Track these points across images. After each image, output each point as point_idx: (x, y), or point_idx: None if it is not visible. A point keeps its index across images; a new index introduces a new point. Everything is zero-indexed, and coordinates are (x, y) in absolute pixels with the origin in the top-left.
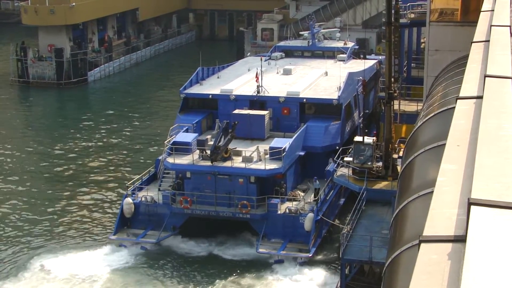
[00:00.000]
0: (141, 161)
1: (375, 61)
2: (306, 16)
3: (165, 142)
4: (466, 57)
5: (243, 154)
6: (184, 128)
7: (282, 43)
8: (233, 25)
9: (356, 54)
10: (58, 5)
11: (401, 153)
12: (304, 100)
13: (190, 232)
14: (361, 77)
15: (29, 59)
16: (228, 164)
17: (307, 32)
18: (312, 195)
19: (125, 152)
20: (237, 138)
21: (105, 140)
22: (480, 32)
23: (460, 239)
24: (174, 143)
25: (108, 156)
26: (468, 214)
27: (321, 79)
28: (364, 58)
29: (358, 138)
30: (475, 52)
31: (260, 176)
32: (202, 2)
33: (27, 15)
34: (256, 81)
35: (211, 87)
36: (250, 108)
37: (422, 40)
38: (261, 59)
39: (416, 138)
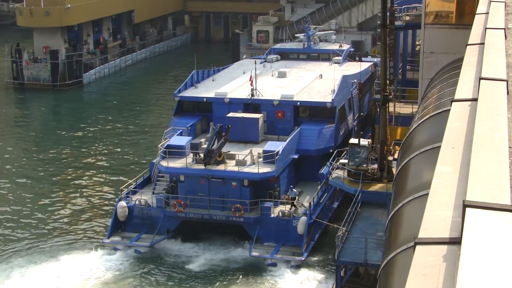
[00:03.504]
0: (136, 164)
1: (370, 63)
2: (301, 19)
3: (159, 145)
4: (461, 60)
5: (237, 158)
6: (178, 132)
7: (277, 46)
8: (229, 27)
9: (352, 56)
10: (53, 7)
11: (396, 155)
12: (298, 103)
13: (183, 235)
14: (356, 80)
15: (24, 61)
16: (221, 167)
17: (303, 34)
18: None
19: (119, 155)
20: (231, 141)
21: (99, 142)
22: (475, 34)
23: (455, 241)
24: (168, 146)
25: (102, 158)
26: (463, 216)
27: (315, 81)
28: (360, 60)
29: (353, 140)
30: (470, 55)
31: (253, 179)
32: (198, 4)
33: (22, 16)
34: (251, 84)
35: (205, 90)
36: (244, 111)
37: (417, 43)
38: (255, 62)
39: (411, 140)
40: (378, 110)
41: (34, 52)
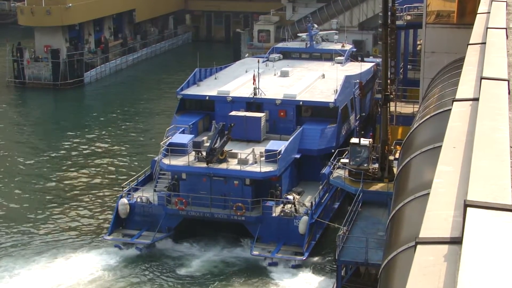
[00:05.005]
0: (137, 161)
1: (373, 63)
2: (302, 18)
3: (161, 143)
4: (462, 59)
5: (239, 156)
6: (181, 129)
7: (280, 45)
8: (230, 26)
9: (354, 56)
10: (54, 6)
11: (397, 155)
12: (301, 102)
13: (184, 233)
14: (358, 80)
15: (25, 60)
16: (223, 166)
17: (305, 34)
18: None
19: (121, 152)
20: (234, 140)
21: (101, 140)
22: (476, 34)
23: (456, 241)
24: (170, 144)
25: (104, 156)
26: (464, 216)
27: (318, 81)
28: (362, 60)
29: (354, 140)
30: (471, 54)
31: (255, 178)
32: (199, 3)
33: (24, 15)
34: (253, 83)
35: (208, 88)
36: (247, 110)
37: (418, 42)
38: (258, 61)
39: (412, 140)
40: (379, 109)
41: (35, 51)
